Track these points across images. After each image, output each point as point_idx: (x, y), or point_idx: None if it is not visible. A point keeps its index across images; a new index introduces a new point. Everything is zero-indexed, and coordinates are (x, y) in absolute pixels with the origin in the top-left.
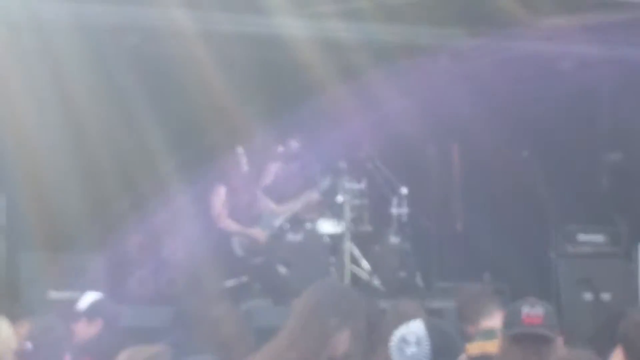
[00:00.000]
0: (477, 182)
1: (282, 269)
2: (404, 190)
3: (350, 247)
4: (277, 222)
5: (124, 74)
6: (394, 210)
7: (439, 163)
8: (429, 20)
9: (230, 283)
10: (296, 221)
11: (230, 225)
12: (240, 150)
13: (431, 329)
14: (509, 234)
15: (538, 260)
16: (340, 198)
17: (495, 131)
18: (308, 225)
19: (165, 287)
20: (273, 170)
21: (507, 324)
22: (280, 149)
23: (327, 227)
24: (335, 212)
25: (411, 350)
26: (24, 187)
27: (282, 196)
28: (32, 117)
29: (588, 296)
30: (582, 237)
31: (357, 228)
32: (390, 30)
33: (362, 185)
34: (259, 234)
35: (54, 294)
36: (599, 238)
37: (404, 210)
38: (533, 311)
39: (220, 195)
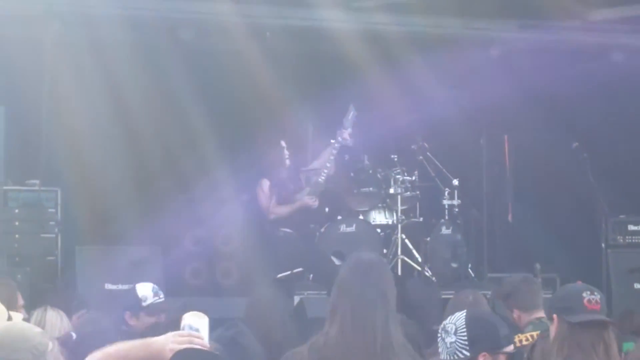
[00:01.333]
0: (528, 174)
1: (335, 260)
2: (455, 182)
3: (402, 239)
4: (322, 178)
5: (174, 69)
6: (446, 202)
7: (489, 154)
8: (479, 13)
9: (284, 274)
10: (349, 213)
11: (280, 211)
12: (283, 144)
13: (470, 319)
14: (559, 224)
15: (588, 250)
16: (392, 190)
17: (545, 123)
18: (360, 217)
19: (220, 278)
20: (325, 157)
21: (568, 309)
22: (332, 140)
23: (380, 218)
24: (387, 204)
25: (450, 339)
26: (78, 182)
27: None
28: (84, 112)
29: (638, 286)
30: (631, 227)
31: (408, 219)
32: (440, 22)
33: (414, 177)
34: (309, 200)
35: (110, 287)
36: None
37: (455, 201)
38: (593, 297)
39: (265, 190)
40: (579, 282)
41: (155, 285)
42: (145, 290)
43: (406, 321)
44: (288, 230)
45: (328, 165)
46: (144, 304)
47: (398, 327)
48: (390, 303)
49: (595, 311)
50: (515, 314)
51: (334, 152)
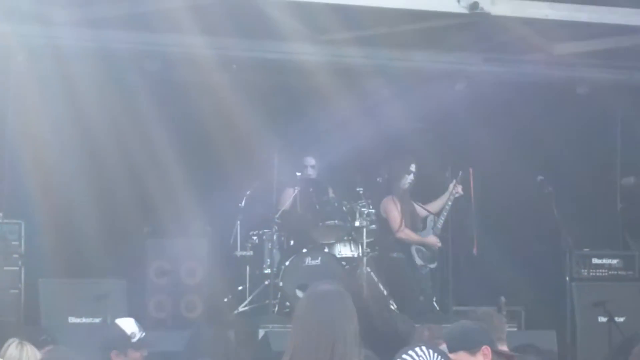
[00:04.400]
0: (493, 207)
1: (300, 293)
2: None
3: (367, 271)
4: (440, 224)
5: (143, 100)
6: None
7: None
8: (445, 47)
9: (246, 307)
10: (314, 246)
11: (410, 235)
12: (413, 167)
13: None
14: (524, 258)
15: (553, 284)
16: (357, 223)
17: (510, 156)
18: (326, 250)
19: (184, 311)
20: (290, 195)
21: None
22: (298, 174)
23: (345, 251)
24: (352, 236)
25: None
26: (42, 214)
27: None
28: (50, 143)
29: (603, 319)
30: (596, 260)
31: (374, 252)
32: (406, 55)
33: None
34: (434, 240)
35: (73, 320)
36: (613, 262)
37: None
38: None
39: (398, 206)
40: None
41: (134, 319)
42: (131, 326)
43: (371, 356)
44: (414, 248)
45: (444, 214)
46: (133, 340)
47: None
48: (340, 334)
49: None
50: None
51: (445, 199)
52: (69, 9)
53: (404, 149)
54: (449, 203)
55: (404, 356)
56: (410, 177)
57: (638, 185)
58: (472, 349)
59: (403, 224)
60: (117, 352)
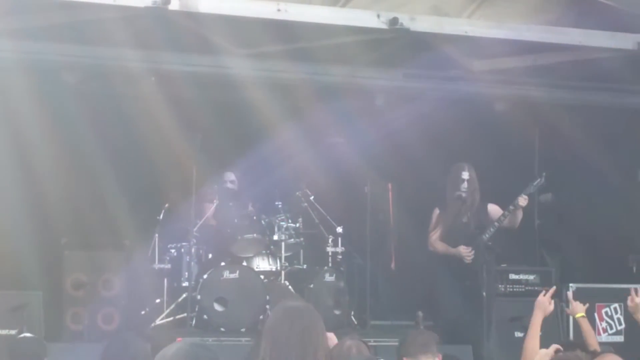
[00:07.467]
0: (411, 222)
1: (218, 307)
2: (339, 229)
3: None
4: (486, 236)
5: (62, 111)
6: (329, 249)
7: (373, 202)
8: (365, 62)
9: (163, 320)
10: (233, 259)
11: (435, 246)
12: (465, 175)
13: None
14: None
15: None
16: (276, 237)
17: (429, 171)
18: (244, 264)
19: (101, 323)
20: (209, 208)
21: None
22: (215, 187)
23: (263, 265)
24: (271, 250)
25: None
26: None
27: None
28: None
29: (519, 334)
30: (513, 276)
31: (292, 266)
32: (326, 70)
33: (298, 224)
34: (462, 251)
35: None
36: (529, 277)
37: (339, 249)
38: None
39: (432, 218)
40: None
41: None
42: None
43: None
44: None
45: (496, 224)
46: None
47: None
48: (310, 347)
49: None
50: None
51: (509, 210)
52: None
53: (322, 163)
54: (507, 213)
55: None
56: (463, 186)
57: (555, 202)
58: None
59: (435, 235)
60: None
